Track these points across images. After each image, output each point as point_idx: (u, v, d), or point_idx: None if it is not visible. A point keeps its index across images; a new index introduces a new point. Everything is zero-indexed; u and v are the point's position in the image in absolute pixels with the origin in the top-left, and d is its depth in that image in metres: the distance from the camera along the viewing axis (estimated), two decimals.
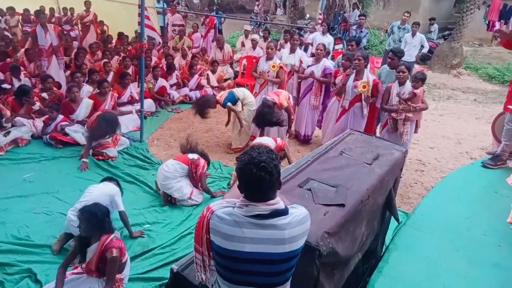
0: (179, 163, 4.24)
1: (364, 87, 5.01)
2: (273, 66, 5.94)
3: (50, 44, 6.73)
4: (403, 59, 5.52)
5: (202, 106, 5.44)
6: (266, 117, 4.86)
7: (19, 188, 4.25)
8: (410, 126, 4.79)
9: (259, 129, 5.15)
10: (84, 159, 4.87)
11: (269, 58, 6.04)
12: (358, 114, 5.21)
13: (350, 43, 6.74)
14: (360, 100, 5.14)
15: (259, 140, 4.67)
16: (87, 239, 2.73)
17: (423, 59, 11.36)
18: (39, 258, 3.26)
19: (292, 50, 6.47)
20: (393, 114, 4.78)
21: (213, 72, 8.45)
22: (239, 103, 5.50)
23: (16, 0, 9.89)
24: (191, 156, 4.30)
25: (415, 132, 5.04)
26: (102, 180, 3.71)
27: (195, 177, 4.28)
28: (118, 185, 3.71)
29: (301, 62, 6.26)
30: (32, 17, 10.15)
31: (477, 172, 5.39)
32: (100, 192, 3.45)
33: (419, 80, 4.65)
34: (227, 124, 5.86)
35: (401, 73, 4.77)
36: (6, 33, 8.69)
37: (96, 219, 2.71)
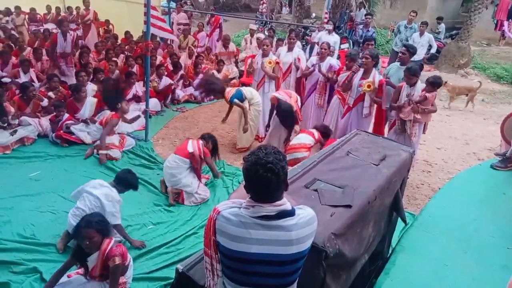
0: (180, 157, 4.26)
1: (368, 86, 4.94)
2: (269, 62, 5.89)
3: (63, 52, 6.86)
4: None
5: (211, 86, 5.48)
6: (292, 116, 4.96)
7: (25, 187, 4.28)
8: (418, 128, 4.74)
9: (286, 130, 5.19)
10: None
11: (264, 55, 5.97)
12: (361, 113, 5.16)
13: (370, 42, 6.64)
14: (364, 99, 5.09)
15: (296, 141, 4.69)
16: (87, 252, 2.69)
17: (430, 59, 11.26)
18: (45, 257, 3.28)
19: (290, 49, 6.43)
20: (401, 115, 4.70)
21: (219, 71, 8.45)
22: (245, 103, 5.46)
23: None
24: (190, 148, 4.27)
25: (423, 132, 4.99)
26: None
27: (197, 168, 4.34)
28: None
29: (299, 60, 6.22)
30: (39, 16, 10.19)
31: (484, 173, 5.32)
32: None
33: (434, 85, 4.56)
34: (224, 120, 5.81)
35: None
36: (12, 32, 8.75)
37: (96, 232, 2.65)
